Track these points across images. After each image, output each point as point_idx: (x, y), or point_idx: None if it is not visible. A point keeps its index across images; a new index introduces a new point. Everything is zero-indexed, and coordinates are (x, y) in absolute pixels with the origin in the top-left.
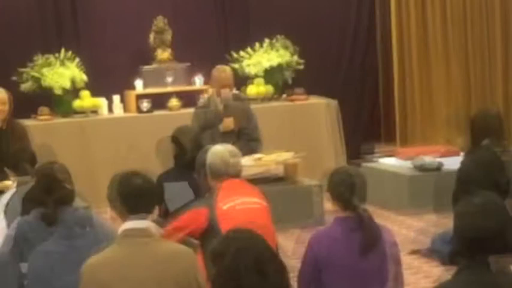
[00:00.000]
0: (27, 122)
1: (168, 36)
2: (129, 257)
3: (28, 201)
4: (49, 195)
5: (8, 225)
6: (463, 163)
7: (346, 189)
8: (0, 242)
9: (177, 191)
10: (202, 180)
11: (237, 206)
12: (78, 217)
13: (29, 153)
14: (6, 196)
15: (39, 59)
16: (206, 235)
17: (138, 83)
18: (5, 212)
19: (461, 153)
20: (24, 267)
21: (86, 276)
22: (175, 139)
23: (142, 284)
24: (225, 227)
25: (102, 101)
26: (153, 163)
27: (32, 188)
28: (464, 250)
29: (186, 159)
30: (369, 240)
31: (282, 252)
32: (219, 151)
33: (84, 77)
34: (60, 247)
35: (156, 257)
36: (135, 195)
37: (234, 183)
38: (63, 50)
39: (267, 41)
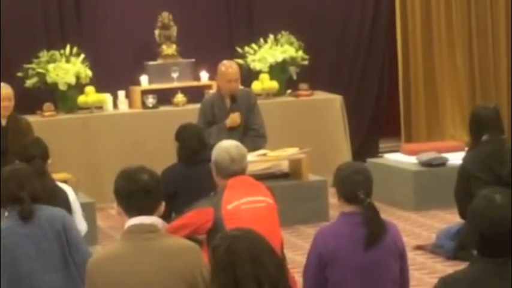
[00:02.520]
0: (32, 118)
1: (173, 32)
2: (135, 252)
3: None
4: (22, 190)
5: None
6: (463, 160)
7: (352, 184)
8: None
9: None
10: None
11: (242, 206)
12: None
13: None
14: None
15: (44, 55)
16: (212, 234)
17: (143, 79)
18: None
19: (466, 149)
20: None
21: (91, 271)
22: (178, 136)
23: (149, 279)
24: (230, 226)
25: (107, 97)
26: (158, 159)
27: (5, 189)
28: (482, 247)
29: (189, 155)
30: (374, 235)
31: (287, 248)
32: (224, 147)
33: (89, 73)
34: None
35: (161, 252)
36: (141, 191)
37: (239, 181)
38: (68, 46)
39: (271, 36)
